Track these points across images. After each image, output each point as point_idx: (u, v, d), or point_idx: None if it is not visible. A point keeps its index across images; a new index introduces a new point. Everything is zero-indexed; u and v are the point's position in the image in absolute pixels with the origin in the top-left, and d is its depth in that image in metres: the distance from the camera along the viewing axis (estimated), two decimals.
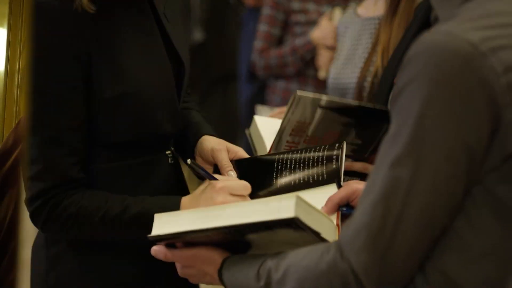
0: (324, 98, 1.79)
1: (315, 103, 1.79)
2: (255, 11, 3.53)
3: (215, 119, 3.17)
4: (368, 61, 2.33)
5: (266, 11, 3.22)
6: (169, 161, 1.65)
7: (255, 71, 3.34)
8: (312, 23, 3.10)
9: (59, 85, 1.47)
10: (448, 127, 1.00)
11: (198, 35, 4.19)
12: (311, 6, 3.14)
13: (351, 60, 2.42)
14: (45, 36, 1.46)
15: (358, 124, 1.84)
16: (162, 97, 1.59)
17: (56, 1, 1.45)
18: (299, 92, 1.78)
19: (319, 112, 1.80)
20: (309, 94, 1.79)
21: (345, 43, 2.50)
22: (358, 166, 1.87)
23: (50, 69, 1.47)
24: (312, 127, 1.84)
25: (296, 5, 3.16)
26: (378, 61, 2.25)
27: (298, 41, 3.09)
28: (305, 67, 3.14)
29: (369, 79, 2.29)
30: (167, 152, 1.65)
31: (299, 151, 1.59)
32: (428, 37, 1.03)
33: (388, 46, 2.22)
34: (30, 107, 1.51)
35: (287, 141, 1.84)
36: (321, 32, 2.93)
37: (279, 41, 3.24)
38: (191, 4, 4.10)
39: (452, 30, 1.02)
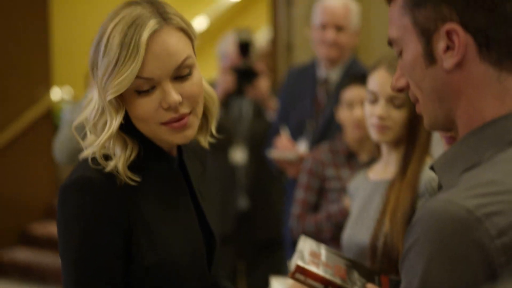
0: (323, 252, 1.92)
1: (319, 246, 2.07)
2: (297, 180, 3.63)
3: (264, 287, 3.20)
4: (379, 222, 2.39)
5: (302, 178, 3.32)
6: None
7: (293, 236, 3.39)
8: (346, 189, 3.17)
9: (103, 254, 1.59)
10: (448, 286, 1.11)
11: (243, 203, 4.31)
12: (345, 174, 3.22)
13: (363, 221, 2.48)
14: (91, 208, 1.59)
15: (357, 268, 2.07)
16: (194, 268, 1.70)
17: (101, 176, 1.61)
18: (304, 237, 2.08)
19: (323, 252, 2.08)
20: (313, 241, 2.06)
21: (356, 205, 2.57)
22: None
23: (96, 239, 1.59)
24: (323, 258, 2.07)
25: (330, 173, 3.25)
26: (387, 222, 2.33)
27: (332, 208, 3.16)
28: (340, 233, 3.18)
29: (381, 239, 2.34)
30: None
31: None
32: (430, 204, 1.18)
33: (397, 208, 2.32)
34: (72, 275, 1.61)
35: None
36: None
37: (315, 207, 3.31)
38: (237, 174, 4.25)
39: (451, 197, 1.16)
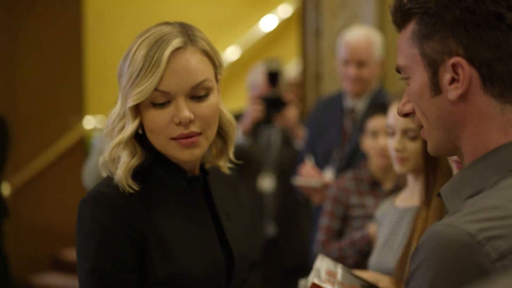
0: (339, 271, 1.95)
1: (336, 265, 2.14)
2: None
3: None
4: (407, 248, 2.42)
5: (327, 205, 3.37)
6: None
7: None
8: (370, 217, 3.20)
9: (117, 267, 1.65)
10: None
11: (271, 230, 4.36)
12: (369, 201, 3.26)
13: (390, 247, 2.52)
14: (106, 222, 1.66)
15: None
16: (210, 285, 1.74)
17: (114, 191, 1.69)
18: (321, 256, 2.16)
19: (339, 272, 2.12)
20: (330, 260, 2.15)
21: (384, 231, 2.61)
22: None
23: (109, 252, 1.66)
24: (338, 277, 2.12)
25: (354, 200, 3.29)
26: (414, 249, 2.36)
27: (356, 235, 3.19)
28: (363, 259, 3.22)
29: (408, 265, 2.38)
30: None
31: None
32: (434, 228, 1.22)
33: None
34: (87, 286, 1.68)
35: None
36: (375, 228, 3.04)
37: (339, 234, 3.35)
38: (265, 201, 4.30)
39: (453, 222, 1.20)
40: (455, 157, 2.49)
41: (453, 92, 1.29)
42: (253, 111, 4.26)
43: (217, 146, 1.87)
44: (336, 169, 3.77)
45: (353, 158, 3.70)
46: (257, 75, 4.45)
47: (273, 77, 4.29)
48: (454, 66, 1.29)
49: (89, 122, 7.04)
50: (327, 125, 3.97)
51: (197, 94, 1.71)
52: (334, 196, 3.34)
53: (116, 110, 1.75)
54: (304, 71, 5.44)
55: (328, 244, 3.32)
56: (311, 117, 4.19)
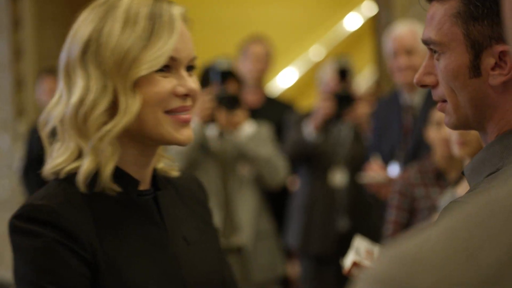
0: (376, 251, 2.00)
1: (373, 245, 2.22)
2: None
3: None
4: None
5: (393, 199, 3.35)
6: None
7: None
8: (435, 208, 3.17)
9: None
10: None
11: (343, 225, 4.37)
12: (434, 193, 3.23)
13: None
14: (49, 242, 1.37)
15: None
16: None
17: (54, 203, 1.40)
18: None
19: None
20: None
21: None
22: None
23: (58, 277, 1.38)
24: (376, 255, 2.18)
25: (420, 192, 3.26)
26: None
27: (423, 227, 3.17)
28: None
29: None
30: None
31: None
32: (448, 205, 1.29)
33: None
34: None
35: None
36: None
37: (406, 227, 3.33)
38: (337, 196, 4.30)
39: (466, 199, 1.26)
40: (456, 139, 2.48)
41: (496, 78, 1.30)
42: (324, 107, 4.30)
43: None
44: (401, 165, 3.77)
45: (417, 152, 3.69)
46: (327, 72, 4.53)
47: (343, 73, 4.35)
48: (502, 54, 1.29)
49: None
50: (388, 123, 4.00)
51: (193, 64, 1.52)
52: (399, 189, 3.32)
53: (82, 91, 1.42)
54: (379, 68, 5.44)
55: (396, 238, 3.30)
56: (373, 117, 4.23)
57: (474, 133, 2.48)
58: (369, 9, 8.76)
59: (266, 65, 4.98)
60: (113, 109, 1.43)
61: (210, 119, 3.85)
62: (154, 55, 1.42)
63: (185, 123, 1.48)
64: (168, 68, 1.46)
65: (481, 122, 1.35)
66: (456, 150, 2.54)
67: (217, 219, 3.83)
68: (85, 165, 1.42)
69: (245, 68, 4.85)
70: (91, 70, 1.43)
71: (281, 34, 7.62)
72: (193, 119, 3.80)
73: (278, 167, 3.95)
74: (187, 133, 1.49)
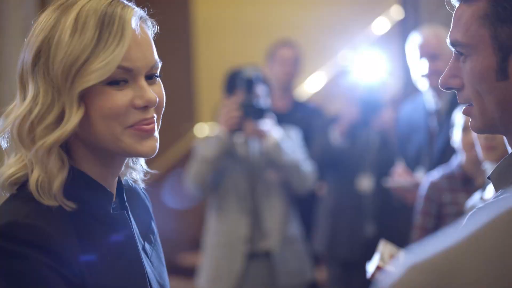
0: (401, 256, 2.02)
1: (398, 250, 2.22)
2: None
3: None
4: None
5: (420, 204, 3.34)
6: None
7: None
8: (463, 214, 3.15)
9: None
10: None
11: (370, 230, 4.36)
12: (462, 198, 3.21)
13: None
14: (34, 264, 1.28)
15: None
16: None
17: (39, 221, 1.32)
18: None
19: None
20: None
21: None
22: None
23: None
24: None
25: (447, 198, 3.24)
26: None
27: None
28: None
29: None
30: None
31: None
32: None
33: None
34: None
35: None
36: None
37: (433, 232, 3.31)
38: (364, 202, 4.28)
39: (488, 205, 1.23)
40: (482, 143, 2.47)
41: None
42: (350, 113, 4.28)
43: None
44: (427, 170, 3.76)
45: (443, 157, 3.67)
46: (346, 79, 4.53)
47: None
48: None
49: (200, 130, 7.21)
50: (414, 128, 3.98)
51: (154, 72, 1.42)
52: (426, 194, 3.31)
53: (31, 103, 1.36)
54: (406, 73, 5.41)
55: None
56: (398, 122, 4.21)
57: (500, 137, 2.47)
58: (397, 13, 8.71)
59: (294, 69, 4.93)
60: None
61: (236, 128, 3.83)
62: (99, 65, 1.32)
63: (147, 133, 1.40)
64: (124, 80, 1.37)
65: (507, 125, 1.33)
66: (484, 155, 2.53)
67: (245, 224, 3.87)
68: (31, 177, 1.35)
69: (273, 72, 4.84)
70: (40, 83, 1.36)
71: (310, 39, 7.60)
72: (219, 128, 3.83)
73: (306, 173, 3.94)
74: (150, 144, 1.41)
